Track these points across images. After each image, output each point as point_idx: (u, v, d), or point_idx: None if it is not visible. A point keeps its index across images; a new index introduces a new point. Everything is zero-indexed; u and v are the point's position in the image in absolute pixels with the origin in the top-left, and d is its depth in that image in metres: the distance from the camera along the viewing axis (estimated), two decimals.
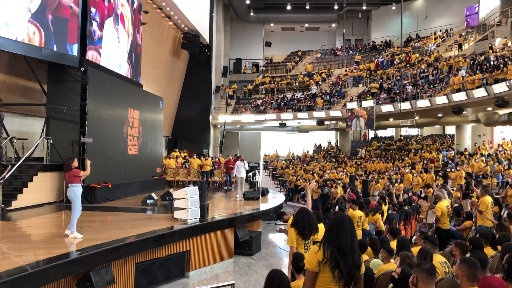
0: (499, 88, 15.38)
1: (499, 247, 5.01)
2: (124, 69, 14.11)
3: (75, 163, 6.81)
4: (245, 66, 35.36)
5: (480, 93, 16.51)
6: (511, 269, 3.59)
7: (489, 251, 5.06)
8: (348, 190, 13.82)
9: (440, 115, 21.83)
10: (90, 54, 11.71)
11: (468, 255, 4.09)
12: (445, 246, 7.60)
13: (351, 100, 24.81)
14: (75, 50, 11.17)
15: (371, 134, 32.65)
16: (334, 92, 27.08)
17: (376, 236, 7.52)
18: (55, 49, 10.49)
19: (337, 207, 9.87)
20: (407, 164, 19.67)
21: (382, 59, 28.44)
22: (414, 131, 32.60)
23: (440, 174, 16.58)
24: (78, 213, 6.70)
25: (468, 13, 28.96)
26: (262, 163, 29.75)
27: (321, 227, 5.16)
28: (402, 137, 29.36)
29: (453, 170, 16.43)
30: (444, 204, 8.34)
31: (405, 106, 20.65)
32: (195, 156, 18.54)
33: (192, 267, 7.86)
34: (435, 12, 31.36)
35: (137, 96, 14.29)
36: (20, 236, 7.22)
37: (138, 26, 15.38)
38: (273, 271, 3.37)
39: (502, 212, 8.46)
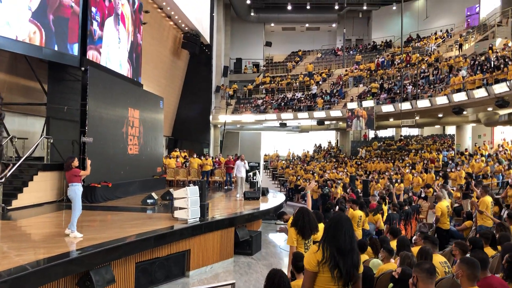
0: (500, 88, 15.39)
1: (499, 247, 5.01)
2: (124, 69, 14.12)
3: (76, 162, 6.81)
4: (245, 66, 35.34)
5: (480, 93, 16.51)
6: (511, 269, 3.59)
7: (489, 251, 5.06)
8: (348, 190, 13.81)
9: (440, 115, 21.85)
10: (91, 54, 11.72)
11: (468, 255, 4.09)
12: (445, 246, 7.59)
13: (352, 100, 24.79)
14: (75, 49, 11.18)
15: (371, 134, 32.60)
16: (334, 92, 27.08)
17: (376, 236, 7.53)
18: (55, 48, 10.50)
19: (337, 207, 9.86)
20: (407, 164, 19.67)
21: (383, 59, 28.42)
22: (415, 131, 32.55)
23: (440, 174, 16.56)
24: (78, 213, 6.70)
25: (468, 13, 28.94)
26: (262, 163, 29.72)
27: (321, 226, 5.16)
28: (402, 137, 29.30)
29: (453, 170, 16.43)
30: (444, 204, 8.33)
31: (406, 106, 20.66)
32: (195, 156, 18.56)
33: (192, 266, 7.87)
34: (436, 12, 31.34)
35: (138, 96, 14.30)
36: (21, 235, 7.22)
37: (138, 26, 15.38)
38: (273, 270, 3.37)
39: (502, 213, 8.45)
